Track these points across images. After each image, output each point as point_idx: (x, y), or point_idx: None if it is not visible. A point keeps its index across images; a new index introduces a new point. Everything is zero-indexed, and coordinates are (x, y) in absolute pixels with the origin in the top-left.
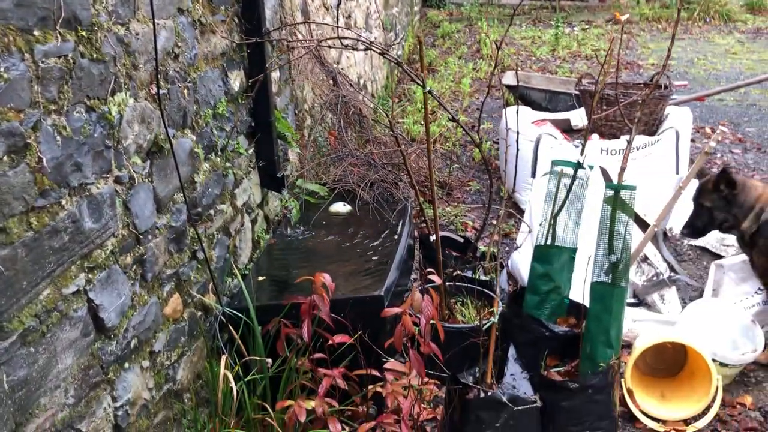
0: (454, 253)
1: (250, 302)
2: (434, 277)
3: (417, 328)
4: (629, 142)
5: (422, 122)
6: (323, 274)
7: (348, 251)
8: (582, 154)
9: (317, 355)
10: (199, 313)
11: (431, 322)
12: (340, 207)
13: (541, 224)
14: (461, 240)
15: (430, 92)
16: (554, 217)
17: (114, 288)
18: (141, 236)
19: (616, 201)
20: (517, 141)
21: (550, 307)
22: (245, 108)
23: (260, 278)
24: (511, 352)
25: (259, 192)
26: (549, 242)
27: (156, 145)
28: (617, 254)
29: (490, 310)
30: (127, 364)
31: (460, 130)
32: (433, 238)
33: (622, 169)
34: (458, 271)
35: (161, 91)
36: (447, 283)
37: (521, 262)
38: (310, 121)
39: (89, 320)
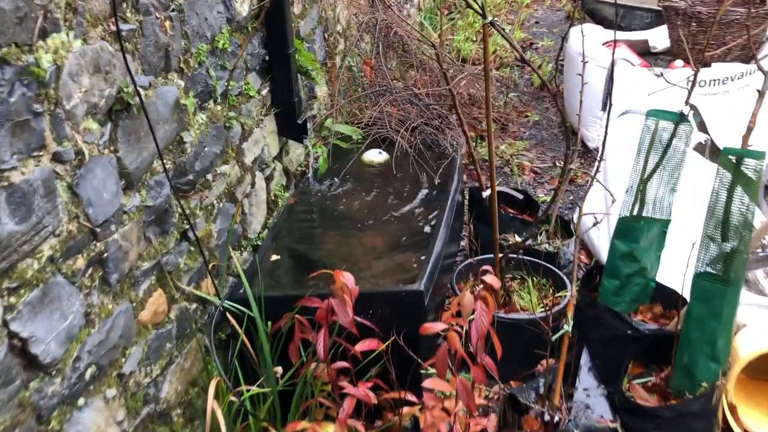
0: (511, 212)
1: (251, 296)
2: (491, 278)
3: (465, 330)
4: (760, 93)
5: (474, 39)
6: (343, 273)
7: (382, 214)
8: (687, 102)
9: (339, 364)
10: (193, 306)
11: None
12: (376, 155)
13: (627, 191)
14: (520, 196)
15: (492, 24)
16: (644, 182)
17: (53, 308)
18: (98, 229)
19: (738, 172)
20: (583, 67)
21: (631, 293)
22: (257, 37)
23: (274, 257)
24: (585, 359)
25: (276, 141)
26: (636, 213)
27: (121, 101)
28: (733, 242)
29: (558, 295)
30: (81, 401)
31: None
32: (486, 193)
33: (749, 129)
34: (518, 242)
35: (127, 27)
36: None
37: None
38: (344, 45)
39: (12, 361)
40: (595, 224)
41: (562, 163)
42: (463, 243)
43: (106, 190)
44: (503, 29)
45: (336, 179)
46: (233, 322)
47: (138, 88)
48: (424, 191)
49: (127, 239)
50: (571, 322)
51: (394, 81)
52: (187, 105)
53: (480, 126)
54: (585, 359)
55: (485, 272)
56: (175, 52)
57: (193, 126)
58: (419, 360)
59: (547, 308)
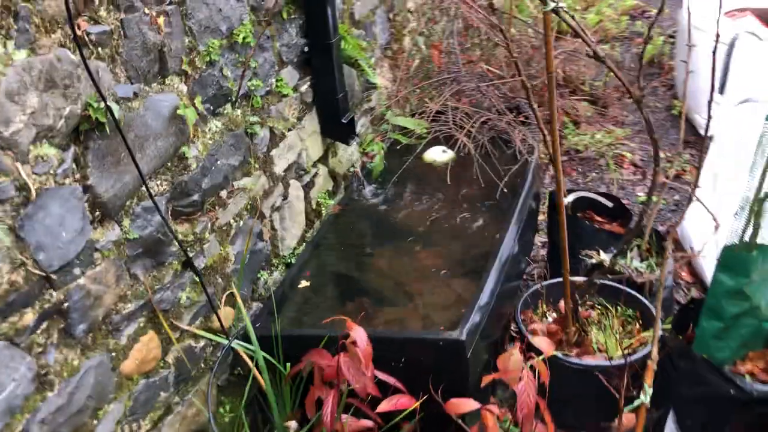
0: (598, 220)
1: (253, 334)
2: (541, 342)
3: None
4: None
5: (576, 8)
6: (355, 327)
7: (440, 226)
8: None
9: (361, 425)
10: (201, 344)
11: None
12: (438, 154)
13: (736, 213)
14: (609, 203)
15: (555, 12)
16: (761, 201)
17: None
18: (55, 275)
19: None
20: (689, 42)
21: (738, 337)
22: (294, 25)
23: (303, 283)
24: (671, 426)
25: (319, 143)
26: (747, 239)
27: (89, 120)
28: None
29: (645, 335)
30: None
31: (625, 19)
32: (568, 200)
33: None
34: (602, 261)
35: (100, 29)
36: (579, 281)
37: (692, 227)
38: (416, 23)
39: None
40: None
41: (668, 156)
42: (534, 269)
43: (64, 229)
44: (572, 16)
45: (391, 182)
46: (248, 361)
47: (110, 102)
48: (491, 197)
49: (100, 281)
50: (649, 391)
51: (471, 64)
52: (187, 115)
53: (574, 111)
54: (672, 427)
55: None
56: (174, 52)
57: (200, 137)
58: (462, 424)
59: (627, 352)
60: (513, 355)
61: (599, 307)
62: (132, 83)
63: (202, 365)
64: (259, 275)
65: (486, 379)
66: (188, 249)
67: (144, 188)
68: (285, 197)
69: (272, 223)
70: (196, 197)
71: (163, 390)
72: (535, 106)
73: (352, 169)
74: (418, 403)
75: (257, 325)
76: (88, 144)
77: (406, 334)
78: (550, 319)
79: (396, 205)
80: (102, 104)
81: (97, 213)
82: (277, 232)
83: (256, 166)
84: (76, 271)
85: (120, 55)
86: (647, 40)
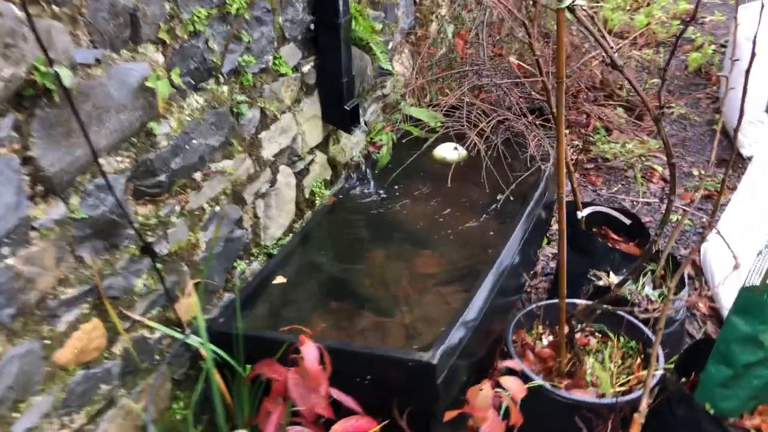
0: (613, 238)
1: (203, 329)
2: (512, 383)
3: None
4: None
5: (627, 8)
6: (307, 343)
7: (439, 228)
8: None
9: None
10: (157, 335)
11: None
12: (449, 151)
13: (760, 252)
14: (626, 220)
15: (570, 10)
16: None
17: None
18: None
19: None
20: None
21: (749, 388)
22: (300, 0)
23: (278, 279)
24: None
25: (319, 128)
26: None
27: (34, 85)
28: None
29: (642, 375)
30: None
31: (676, 23)
32: (582, 214)
33: None
34: (608, 285)
35: None
36: (581, 304)
37: (716, 254)
38: (446, 9)
39: None
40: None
41: (701, 174)
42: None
43: None
44: (587, 16)
45: (395, 176)
46: (205, 358)
47: (59, 68)
48: (498, 203)
49: (34, 263)
50: None
51: (498, 58)
52: (158, 87)
53: (606, 118)
54: None
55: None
56: (151, 18)
57: (175, 113)
58: None
59: (619, 392)
60: (482, 390)
61: (599, 334)
62: (96, 48)
63: (158, 357)
64: (235, 264)
65: (448, 415)
66: (149, 233)
67: (102, 162)
68: (272, 184)
69: (255, 210)
70: (162, 177)
71: (106, 382)
72: (555, 108)
73: (355, 159)
74: (377, 428)
75: (221, 320)
76: (34, 112)
77: (373, 349)
78: (545, 342)
79: (396, 201)
80: (51, 69)
81: (39, 188)
82: (260, 220)
83: (240, 148)
84: (4, 250)
85: (83, 16)
86: (701, 45)
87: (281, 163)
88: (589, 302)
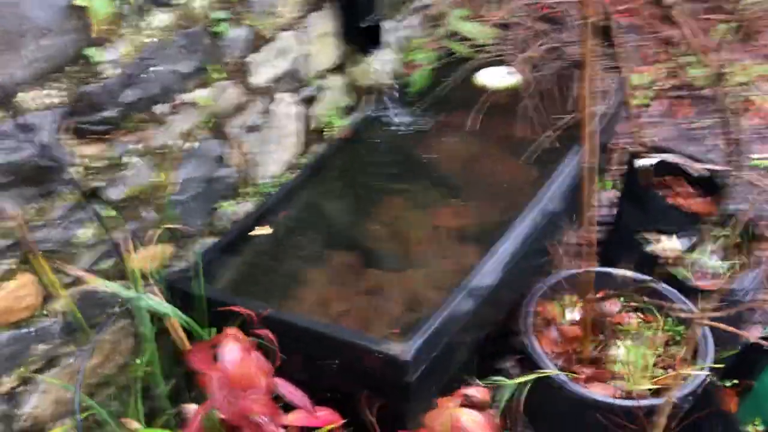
0: (678, 191)
1: (159, 293)
2: (476, 391)
3: None
4: None
5: None
6: (227, 338)
7: (466, 172)
8: None
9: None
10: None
11: None
12: (498, 77)
13: None
14: (696, 170)
15: None
16: None
17: None
18: None
19: None
20: None
21: None
22: None
23: (259, 229)
24: None
25: (333, 48)
26: None
27: None
28: None
29: (686, 371)
30: None
31: None
32: (642, 162)
33: None
34: (666, 251)
35: None
36: (624, 276)
37: None
38: None
39: None
40: None
41: None
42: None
43: None
44: None
45: (428, 105)
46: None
47: None
48: (545, 144)
49: None
50: None
51: None
52: (91, 6)
53: (704, 35)
54: None
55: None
56: None
57: (127, 36)
58: None
59: (645, 390)
60: (444, 412)
61: (642, 313)
62: None
63: (117, 309)
64: (218, 206)
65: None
66: (96, 176)
67: (26, 96)
68: (265, 113)
69: (242, 145)
70: (110, 113)
71: (44, 341)
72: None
73: (383, 82)
74: (332, 426)
75: (188, 274)
76: None
77: (339, 332)
78: (575, 316)
79: (425, 136)
80: None
81: None
82: (249, 155)
83: (220, 75)
84: None
85: None
86: None
87: (280, 90)
88: (635, 274)
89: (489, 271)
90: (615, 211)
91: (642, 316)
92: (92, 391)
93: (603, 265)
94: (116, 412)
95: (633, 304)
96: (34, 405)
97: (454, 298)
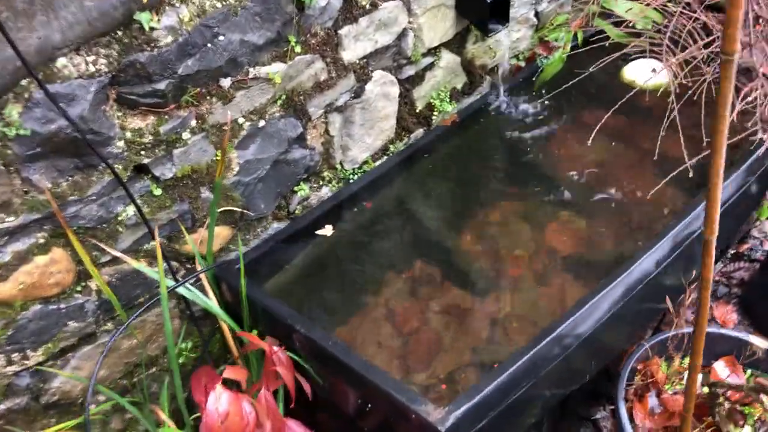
0: None
1: (208, 284)
2: None
3: None
4: None
5: None
6: (218, 386)
7: (590, 189)
8: None
9: None
10: (155, 267)
11: None
12: (644, 73)
13: None
14: None
15: None
16: None
17: None
18: None
19: None
20: None
21: None
22: None
23: (323, 230)
24: None
25: (447, 21)
26: None
27: None
28: None
29: None
30: None
31: None
32: None
33: None
34: None
35: None
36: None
37: None
38: None
39: None
40: None
41: None
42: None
43: None
44: None
45: (559, 95)
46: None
47: None
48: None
49: None
50: None
51: None
52: None
53: None
54: None
55: None
56: None
57: (189, 1)
58: None
59: None
60: None
61: None
62: None
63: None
64: (295, 189)
65: None
66: (141, 152)
67: (58, 65)
68: (358, 94)
69: (327, 126)
70: (162, 85)
71: (74, 319)
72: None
73: (508, 64)
74: None
75: (235, 267)
76: None
77: (373, 375)
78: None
79: (549, 133)
80: None
81: None
82: (333, 138)
83: (302, 48)
84: None
85: None
86: None
87: (377, 67)
88: None
89: (591, 314)
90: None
91: None
92: (131, 370)
93: (741, 310)
94: (157, 395)
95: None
96: (63, 380)
97: (532, 347)
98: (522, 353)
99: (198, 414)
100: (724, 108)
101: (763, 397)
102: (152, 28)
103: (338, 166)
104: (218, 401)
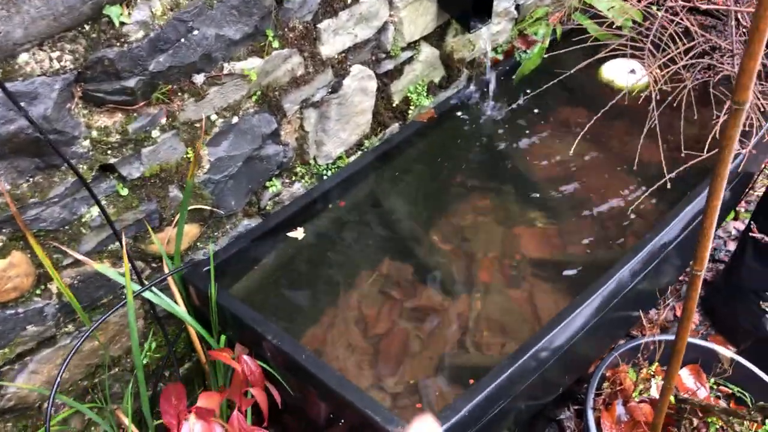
0: None
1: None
2: None
3: None
4: None
5: None
6: (195, 409)
7: (565, 193)
8: None
9: None
10: (120, 270)
11: None
12: (622, 73)
13: None
14: None
15: None
16: None
17: None
18: None
19: None
20: None
21: None
22: None
23: (294, 232)
24: None
25: (428, 14)
26: None
27: None
28: None
29: None
30: None
31: None
32: None
33: None
34: None
35: None
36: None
37: None
38: None
39: None
40: None
41: None
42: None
43: None
44: None
45: (535, 93)
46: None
47: None
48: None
49: None
50: None
51: None
52: None
53: None
54: None
55: None
56: None
57: None
58: None
59: None
60: None
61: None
62: None
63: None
64: (267, 185)
65: None
66: (108, 152)
67: (22, 60)
68: (335, 89)
69: (302, 121)
70: (131, 83)
71: (35, 323)
72: None
73: (487, 57)
74: None
75: (203, 270)
76: None
77: (348, 391)
78: (653, 391)
79: (524, 131)
80: None
81: None
82: (308, 134)
83: (279, 42)
84: None
85: None
86: None
87: (355, 61)
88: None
89: (569, 325)
90: (735, 248)
91: (734, 406)
92: (92, 371)
93: (703, 311)
94: (118, 395)
95: (725, 388)
96: (19, 385)
97: (509, 364)
98: (499, 371)
99: (161, 421)
100: (728, 153)
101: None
102: (122, 23)
103: (312, 162)
104: None
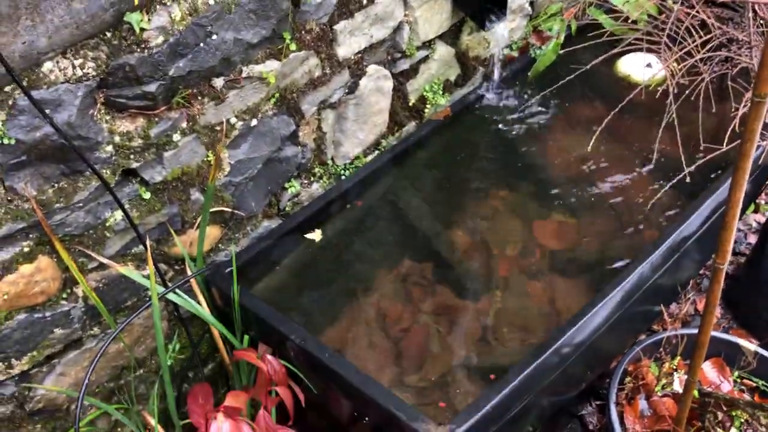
0: None
1: (197, 289)
2: None
3: None
4: None
5: None
6: (219, 416)
7: (583, 187)
8: None
9: None
10: (144, 272)
11: None
12: (639, 67)
13: None
14: None
15: None
16: None
17: None
18: None
19: None
20: None
21: None
22: None
23: (312, 234)
24: None
25: (443, 13)
26: None
27: None
28: None
29: None
30: None
31: None
32: None
33: None
34: None
35: None
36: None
37: None
38: None
39: None
40: None
41: None
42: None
43: None
44: None
45: (552, 88)
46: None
47: None
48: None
49: None
50: None
51: None
52: None
53: None
54: None
55: None
56: None
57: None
58: None
59: None
60: None
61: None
62: None
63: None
64: (286, 186)
65: None
66: (131, 156)
67: (40, 70)
68: (352, 90)
69: (320, 122)
70: (152, 87)
71: (60, 326)
72: None
73: (502, 54)
74: None
75: (225, 271)
76: None
77: (373, 390)
78: (676, 386)
79: (541, 129)
80: None
81: None
82: (326, 134)
83: (297, 45)
84: None
85: None
86: None
87: (371, 62)
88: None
89: (591, 321)
90: (756, 241)
91: (759, 399)
92: (118, 374)
93: (724, 304)
94: (144, 396)
95: (749, 382)
96: (48, 387)
97: (532, 360)
98: (523, 367)
99: (189, 420)
100: (750, 146)
101: (759, 413)
102: (143, 29)
103: (329, 162)
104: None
